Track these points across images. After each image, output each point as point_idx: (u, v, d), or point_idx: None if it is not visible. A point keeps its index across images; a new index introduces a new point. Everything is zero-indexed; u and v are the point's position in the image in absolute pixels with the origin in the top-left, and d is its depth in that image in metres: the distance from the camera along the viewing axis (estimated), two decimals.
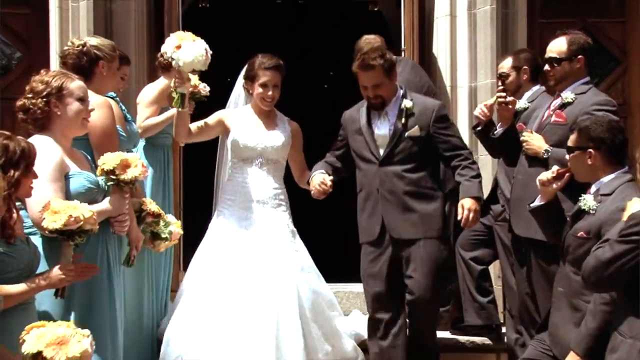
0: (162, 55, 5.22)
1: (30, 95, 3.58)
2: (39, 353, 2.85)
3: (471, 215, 4.22)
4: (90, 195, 3.55)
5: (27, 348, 2.86)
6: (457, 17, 5.73)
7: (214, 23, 6.65)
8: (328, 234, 5.44)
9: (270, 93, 4.61)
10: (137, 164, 3.57)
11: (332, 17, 6.64)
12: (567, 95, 4.31)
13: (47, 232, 3.29)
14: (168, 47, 4.35)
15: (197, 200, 5.23)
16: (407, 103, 4.40)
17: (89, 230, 3.33)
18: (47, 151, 3.46)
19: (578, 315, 3.59)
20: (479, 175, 4.37)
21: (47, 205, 3.27)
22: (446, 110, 4.47)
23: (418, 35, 5.85)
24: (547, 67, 4.39)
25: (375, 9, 6.36)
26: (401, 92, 4.45)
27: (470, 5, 5.71)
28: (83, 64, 4.08)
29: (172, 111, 5.10)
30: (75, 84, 3.64)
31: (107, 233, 3.66)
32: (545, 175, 3.86)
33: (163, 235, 4.16)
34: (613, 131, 3.67)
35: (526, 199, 4.14)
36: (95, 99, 3.82)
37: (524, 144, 4.35)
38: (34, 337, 2.88)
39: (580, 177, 3.75)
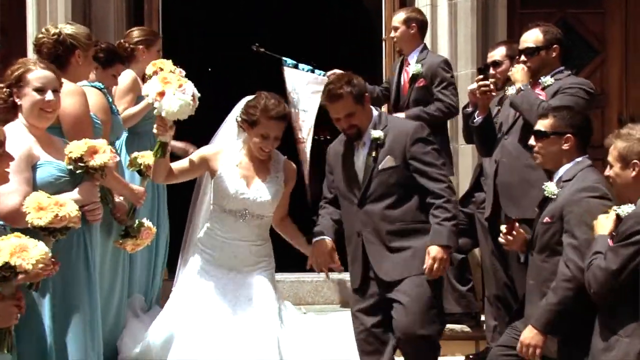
0: (125, 42, 5.17)
1: (0, 85, 3.54)
2: (5, 264, 2.85)
3: (435, 265, 3.87)
4: (59, 185, 3.46)
5: None
6: (437, 7, 5.71)
7: (194, 11, 6.60)
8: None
9: (270, 147, 4.15)
10: (105, 149, 3.47)
11: (314, 7, 6.58)
12: (546, 79, 4.36)
13: (29, 226, 3.19)
14: (150, 91, 3.96)
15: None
16: (375, 133, 4.01)
17: (72, 227, 3.27)
18: (15, 141, 3.38)
19: None
20: (453, 217, 3.93)
21: (31, 197, 3.20)
22: (426, 132, 4.03)
23: None
24: (522, 57, 4.40)
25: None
26: (375, 117, 4.08)
27: None
28: (59, 54, 3.99)
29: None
30: (35, 73, 3.54)
31: (84, 225, 3.55)
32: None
33: (132, 233, 4.08)
34: (588, 121, 3.80)
35: (514, 182, 4.15)
36: (67, 87, 3.74)
37: (510, 72, 4.42)
38: None
39: (548, 162, 3.75)
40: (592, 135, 3.81)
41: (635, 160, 3.29)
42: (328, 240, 4.12)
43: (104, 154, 3.46)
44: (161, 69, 4.83)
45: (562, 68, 4.42)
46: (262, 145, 4.13)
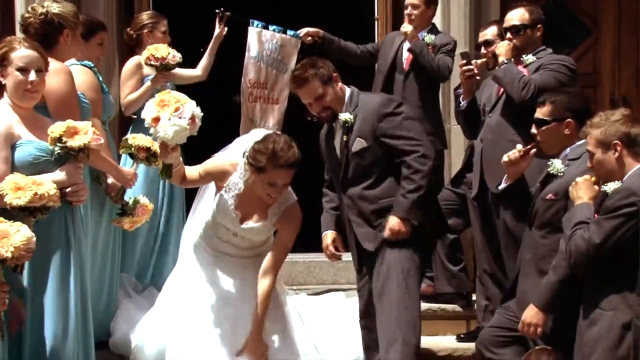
0: (130, 30, 5.18)
1: None
2: None
3: (392, 236, 3.86)
4: (39, 165, 3.41)
5: None
6: None
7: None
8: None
9: (278, 194, 3.96)
10: (86, 130, 3.41)
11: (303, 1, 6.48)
12: (528, 57, 4.43)
13: (8, 207, 3.16)
14: (146, 116, 3.86)
15: None
16: (343, 116, 3.92)
17: (51, 206, 3.23)
18: None
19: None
20: (417, 189, 3.82)
21: (8, 179, 3.17)
22: (392, 106, 3.92)
23: (392, 4, 5.82)
24: (508, 35, 4.45)
25: None
26: (347, 98, 3.98)
27: None
28: (46, 33, 3.92)
29: (148, 85, 4.99)
30: (18, 53, 3.47)
31: (65, 205, 3.51)
32: (510, 155, 3.83)
33: (128, 211, 4.00)
34: (586, 101, 3.84)
35: (498, 157, 4.15)
36: (52, 65, 3.66)
37: (496, 48, 4.47)
38: None
39: (552, 149, 3.77)
40: (591, 115, 3.75)
41: (614, 141, 3.31)
42: (329, 233, 4.16)
43: (85, 135, 3.40)
44: (153, 56, 4.91)
45: (543, 47, 4.49)
46: (270, 191, 3.94)
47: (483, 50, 4.87)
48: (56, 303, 3.47)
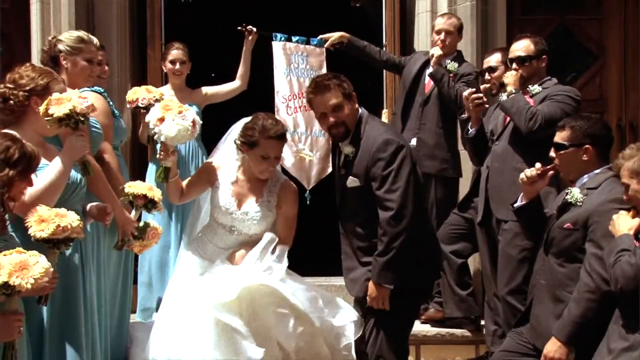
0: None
1: (11, 86, 3.49)
2: (4, 284, 2.81)
3: (373, 304, 3.79)
4: None
5: None
6: (437, 14, 5.63)
7: (196, 18, 6.58)
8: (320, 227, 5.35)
9: (271, 167, 4.07)
10: (69, 98, 3.41)
11: (314, 14, 6.52)
12: (534, 87, 4.44)
13: (32, 239, 3.16)
14: (151, 117, 4.01)
15: None
16: (346, 149, 3.86)
17: (75, 238, 3.22)
18: None
19: (561, 306, 3.56)
20: (385, 252, 3.71)
21: (33, 211, 3.16)
22: (388, 150, 3.74)
23: (399, 31, 5.82)
24: (514, 66, 4.46)
25: (357, 5, 6.27)
26: (357, 120, 3.88)
27: (451, 1, 5.70)
28: (49, 60, 4.03)
29: None
30: (60, 87, 3.56)
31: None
32: (527, 173, 3.77)
33: (138, 234, 3.98)
34: (607, 128, 3.77)
35: (503, 184, 4.17)
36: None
37: (504, 77, 4.46)
38: None
39: (570, 174, 3.72)
40: (612, 143, 3.79)
41: None
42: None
43: (68, 102, 3.40)
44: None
45: (549, 77, 4.49)
46: (263, 166, 4.03)
47: (487, 77, 4.89)
48: (78, 331, 3.51)
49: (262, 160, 4.01)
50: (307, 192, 5.30)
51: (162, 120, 3.97)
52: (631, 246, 3.22)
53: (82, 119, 3.45)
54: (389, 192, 3.72)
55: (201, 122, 4.06)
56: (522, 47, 4.45)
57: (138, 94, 4.85)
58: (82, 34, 4.24)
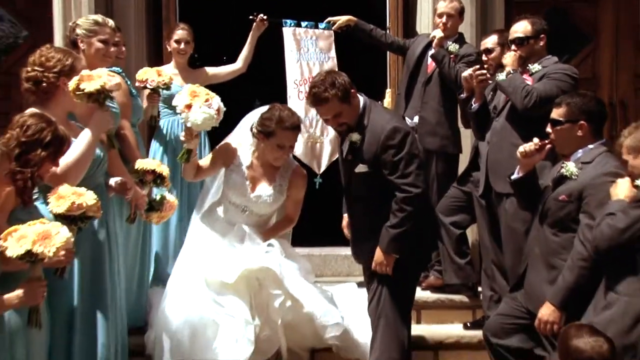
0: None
1: (41, 69, 3.50)
2: (28, 252, 2.83)
3: (378, 269, 3.90)
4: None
5: (13, 251, 2.83)
6: None
7: (209, 5, 6.56)
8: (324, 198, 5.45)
9: (286, 155, 4.20)
10: (101, 75, 3.48)
11: (317, 1, 6.52)
12: (534, 66, 4.42)
13: (51, 215, 3.20)
14: (179, 103, 4.07)
15: None
16: (353, 136, 3.87)
17: (92, 217, 3.25)
18: None
19: (554, 273, 3.59)
20: (399, 224, 3.81)
21: (55, 189, 3.20)
22: (397, 137, 3.80)
23: (402, 14, 5.83)
24: (513, 47, 4.45)
25: None
26: (360, 110, 3.90)
27: None
28: (70, 44, 4.11)
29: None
30: (82, 64, 3.63)
31: (104, 197, 3.61)
32: (526, 147, 3.78)
33: (155, 207, 4.06)
34: (601, 105, 3.76)
35: (501, 159, 4.19)
36: None
37: (503, 58, 4.46)
38: (14, 241, 2.84)
39: (565, 149, 3.73)
40: (606, 120, 3.79)
41: None
42: (345, 217, 4.25)
43: (99, 78, 3.46)
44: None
45: (549, 56, 4.47)
46: (279, 154, 4.18)
47: (484, 58, 4.91)
48: (106, 300, 3.58)
49: (278, 149, 4.17)
50: (318, 176, 5.33)
51: (189, 107, 4.02)
52: (618, 210, 3.26)
53: (110, 95, 3.52)
54: (402, 177, 3.81)
55: (225, 109, 4.10)
56: (520, 28, 4.43)
57: (148, 75, 4.86)
58: (97, 17, 4.29)
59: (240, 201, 4.27)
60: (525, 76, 4.41)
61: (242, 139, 4.39)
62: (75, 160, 3.41)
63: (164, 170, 4.05)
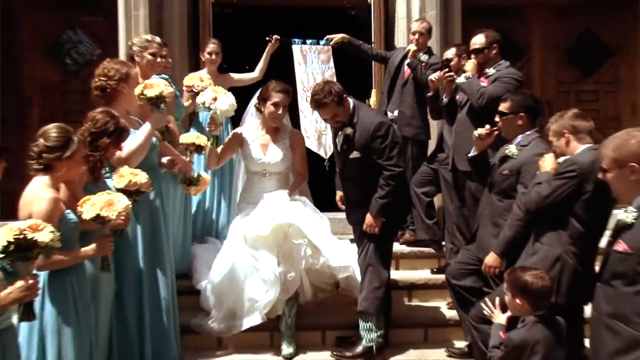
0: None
1: (105, 79, 3.49)
2: (98, 215, 2.85)
3: (368, 229, 3.82)
4: None
5: (87, 215, 2.86)
6: (412, 18, 5.58)
7: (235, 25, 6.44)
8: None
9: (280, 112, 4.09)
10: (159, 84, 3.49)
11: (318, 22, 6.36)
12: (490, 70, 4.32)
13: (113, 189, 3.19)
14: (206, 99, 4.01)
15: None
16: (347, 130, 3.81)
17: (145, 191, 3.23)
18: None
19: (498, 230, 3.55)
20: (385, 197, 3.76)
21: (118, 169, 3.20)
22: (383, 129, 3.77)
23: (384, 32, 5.78)
24: (472, 56, 4.35)
25: (352, 13, 6.22)
26: (351, 110, 3.82)
27: (421, 10, 5.64)
28: (130, 59, 4.08)
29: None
30: (135, 71, 3.61)
31: (157, 173, 3.60)
32: (480, 131, 3.73)
33: (194, 182, 4.04)
34: (536, 102, 3.73)
35: (465, 144, 4.11)
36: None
37: (465, 66, 4.37)
38: (88, 206, 2.86)
39: (509, 135, 3.68)
40: (540, 113, 3.75)
41: (564, 131, 3.28)
42: (339, 193, 4.21)
43: (158, 87, 3.48)
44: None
45: (502, 61, 4.36)
46: (274, 113, 4.07)
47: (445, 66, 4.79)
48: (164, 255, 3.56)
49: (274, 108, 4.06)
50: (326, 160, 5.28)
51: (215, 99, 4.00)
52: (545, 180, 3.22)
53: (165, 100, 3.50)
54: (388, 160, 3.79)
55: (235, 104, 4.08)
56: (477, 40, 4.33)
57: (193, 81, 4.71)
58: (147, 36, 4.31)
59: (258, 167, 4.18)
60: (482, 79, 4.31)
61: (249, 120, 4.37)
62: (136, 147, 3.42)
63: (202, 141, 4.03)
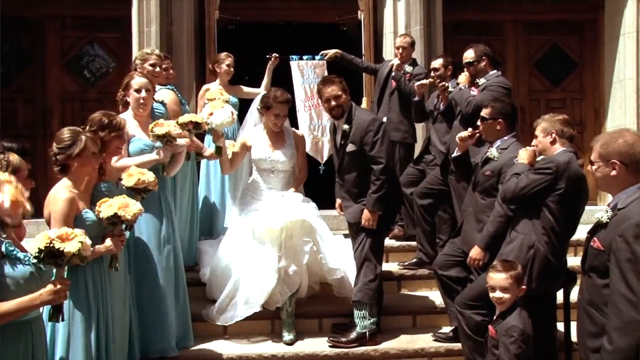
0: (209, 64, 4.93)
1: (122, 91, 3.54)
2: (115, 214, 2.83)
3: (366, 223, 3.72)
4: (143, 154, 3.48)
5: (104, 213, 2.83)
6: (398, 33, 5.51)
7: (237, 40, 6.35)
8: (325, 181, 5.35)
9: (281, 121, 4.03)
10: (169, 124, 3.44)
11: (314, 37, 6.28)
12: (481, 80, 4.26)
13: (123, 186, 3.17)
14: (204, 114, 3.89)
15: None
16: (344, 126, 3.76)
17: (152, 190, 3.20)
18: None
19: (481, 225, 3.50)
20: (378, 189, 3.67)
21: (126, 169, 3.18)
22: (376, 125, 3.72)
23: (373, 46, 5.72)
24: (465, 69, 4.31)
25: (344, 29, 6.12)
26: (349, 107, 3.78)
27: (407, 26, 5.60)
28: (133, 70, 4.00)
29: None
30: (135, 80, 3.53)
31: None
32: (463, 134, 3.69)
33: (218, 150, 3.98)
34: (514, 109, 3.68)
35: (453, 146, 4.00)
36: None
37: (459, 78, 4.32)
38: (105, 207, 2.85)
39: (489, 138, 3.63)
40: (517, 120, 3.67)
41: (552, 131, 3.24)
42: (338, 200, 4.05)
43: (167, 126, 3.43)
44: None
45: (493, 71, 4.28)
46: (275, 122, 3.99)
47: (432, 74, 4.72)
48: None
49: (275, 117, 3.99)
50: (322, 165, 5.20)
51: (211, 114, 3.89)
52: (522, 171, 3.19)
53: (172, 138, 3.44)
54: (378, 152, 3.71)
55: (236, 112, 3.99)
56: (468, 55, 4.26)
57: (215, 95, 4.53)
58: (147, 49, 4.29)
59: (267, 165, 4.06)
60: (473, 88, 4.24)
61: (251, 123, 4.31)
62: (131, 164, 3.33)
63: (198, 119, 3.82)
